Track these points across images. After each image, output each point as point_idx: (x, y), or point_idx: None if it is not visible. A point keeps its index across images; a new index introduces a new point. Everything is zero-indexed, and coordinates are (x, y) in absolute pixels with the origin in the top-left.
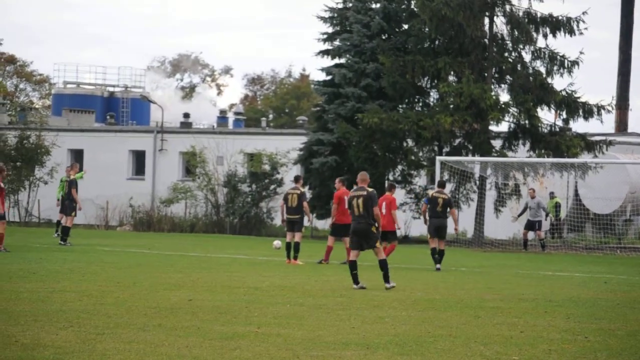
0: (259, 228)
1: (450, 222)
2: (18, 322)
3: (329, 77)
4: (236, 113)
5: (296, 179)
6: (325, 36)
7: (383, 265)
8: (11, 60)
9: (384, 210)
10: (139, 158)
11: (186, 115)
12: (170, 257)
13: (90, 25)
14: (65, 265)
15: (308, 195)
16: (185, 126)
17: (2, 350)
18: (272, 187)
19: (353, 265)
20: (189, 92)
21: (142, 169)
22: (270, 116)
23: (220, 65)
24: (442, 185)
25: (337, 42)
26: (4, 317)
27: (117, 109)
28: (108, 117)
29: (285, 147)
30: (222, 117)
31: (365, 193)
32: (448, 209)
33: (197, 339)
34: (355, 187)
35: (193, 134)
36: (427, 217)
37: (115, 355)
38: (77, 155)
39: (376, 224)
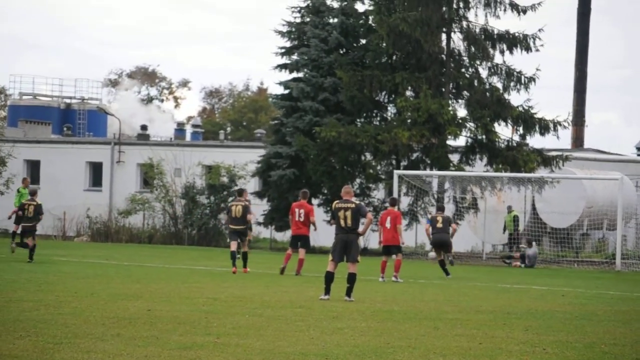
0: (217, 239)
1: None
2: None
3: (287, 91)
4: (194, 125)
5: (239, 193)
6: (283, 50)
7: (352, 279)
8: None
9: (388, 225)
10: (96, 169)
11: (144, 127)
12: (129, 267)
13: (46, 37)
14: (22, 275)
15: (267, 207)
16: (143, 138)
17: None
18: (230, 199)
19: (330, 277)
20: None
21: (99, 181)
22: (228, 129)
23: (178, 78)
24: (441, 209)
25: (295, 57)
26: None
27: (73, 121)
28: (65, 128)
29: (243, 160)
30: (180, 130)
31: (353, 205)
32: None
33: (156, 349)
34: (340, 199)
35: (151, 145)
36: (430, 235)
37: None
38: (34, 167)
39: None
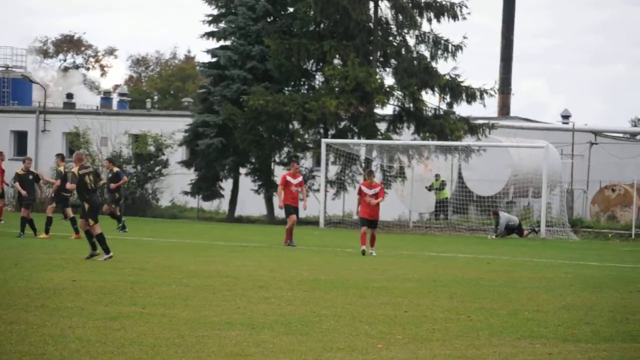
0: (145, 209)
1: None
2: None
3: (214, 59)
4: (120, 94)
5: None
6: (210, 18)
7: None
8: None
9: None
10: (21, 138)
11: (69, 96)
12: (54, 238)
13: None
14: None
15: (194, 176)
16: (69, 107)
17: None
18: (157, 168)
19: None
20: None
21: (24, 150)
22: (155, 98)
23: (104, 46)
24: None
25: (222, 25)
26: None
27: None
28: None
29: (171, 129)
30: (106, 99)
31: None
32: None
33: (81, 320)
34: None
35: (76, 114)
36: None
37: None
38: None
39: None
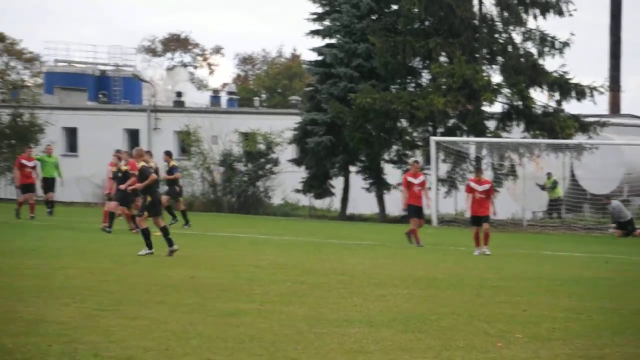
0: (257, 207)
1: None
2: (21, 298)
3: (320, 57)
4: (229, 92)
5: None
6: (315, 16)
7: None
8: (1, 38)
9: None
10: (133, 136)
11: (179, 95)
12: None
13: (80, 4)
14: (66, 242)
15: (304, 174)
16: (179, 105)
17: (7, 326)
18: (268, 166)
19: None
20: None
21: None
22: (263, 96)
23: (211, 44)
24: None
25: (327, 22)
26: (7, 292)
27: (108, 88)
28: (100, 95)
29: (279, 127)
30: (215, 97)
31: None
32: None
33: (201, 316)
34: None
35: (187, 113)
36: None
37: (120, 331)
38: (71, 134)
39: None
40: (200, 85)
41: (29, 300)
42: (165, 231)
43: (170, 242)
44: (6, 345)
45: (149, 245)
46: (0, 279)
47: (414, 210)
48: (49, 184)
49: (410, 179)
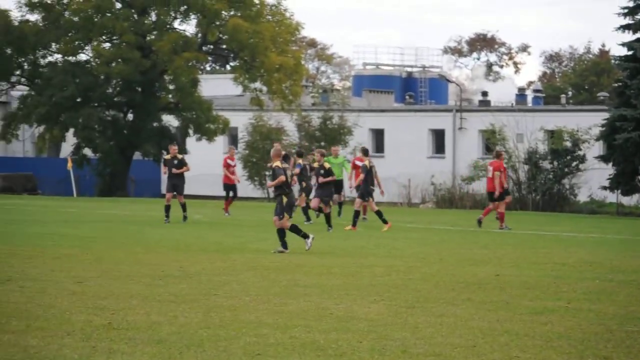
0: (562, 205)
1: None
2: (331, 295)
3: (630, 52)
4: (535, 90)
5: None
6: (625, 10)
7: None
8: (312, 43)
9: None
10: (438, 137)
11: (484, 94)
12: (475, 233)
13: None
14: (370, 241)
15: (612, 171)
16: (484, 104)
17: (319, 322)
18: (574, 163)
19: None
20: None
21: (442, 148)
22: (569, 93)
23: (517, 43)
24: None
25: (638, 17)
26: (318, 290)
27: (415, 89)
28: (407, 97)
29: (586, 124)
30: (521, 95)
31: None
32: None
33: (507, 314)
34: None
35: (492, 112)
36: None
37: (427, 328)
38: (378, 135)
39: None
40: (508, 84)
41: (338, 297)
42: (295, 229)
43: (305, 236)
44: (319, 341)
45: (285, 244)
46: (311, 278)
47: None
48: (337, 186)
49: None
